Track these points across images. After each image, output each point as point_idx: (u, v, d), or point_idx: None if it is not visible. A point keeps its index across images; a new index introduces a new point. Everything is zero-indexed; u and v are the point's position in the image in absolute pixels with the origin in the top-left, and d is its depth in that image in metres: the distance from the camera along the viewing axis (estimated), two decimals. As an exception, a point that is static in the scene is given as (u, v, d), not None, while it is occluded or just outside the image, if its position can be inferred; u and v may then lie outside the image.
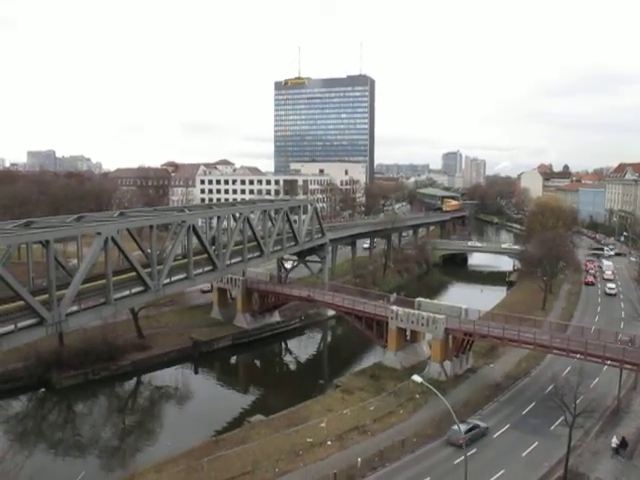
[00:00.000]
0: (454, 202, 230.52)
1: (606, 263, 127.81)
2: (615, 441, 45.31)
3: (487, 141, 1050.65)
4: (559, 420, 45.60)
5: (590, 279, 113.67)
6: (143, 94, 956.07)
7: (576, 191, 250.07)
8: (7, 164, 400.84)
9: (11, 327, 39.25)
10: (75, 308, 44.89)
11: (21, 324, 40.02)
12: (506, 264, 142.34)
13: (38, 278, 51.15)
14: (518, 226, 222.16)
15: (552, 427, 48.51)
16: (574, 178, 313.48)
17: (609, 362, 51.73)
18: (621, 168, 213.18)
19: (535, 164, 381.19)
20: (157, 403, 64.45)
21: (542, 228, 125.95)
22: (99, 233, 46.64)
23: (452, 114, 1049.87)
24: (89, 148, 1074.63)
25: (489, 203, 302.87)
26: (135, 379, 69.84)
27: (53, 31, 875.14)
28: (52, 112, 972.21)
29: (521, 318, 61.95)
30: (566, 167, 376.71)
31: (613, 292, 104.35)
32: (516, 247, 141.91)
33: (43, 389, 63.58)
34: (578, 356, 53.30)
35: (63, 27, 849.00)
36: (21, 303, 40.43)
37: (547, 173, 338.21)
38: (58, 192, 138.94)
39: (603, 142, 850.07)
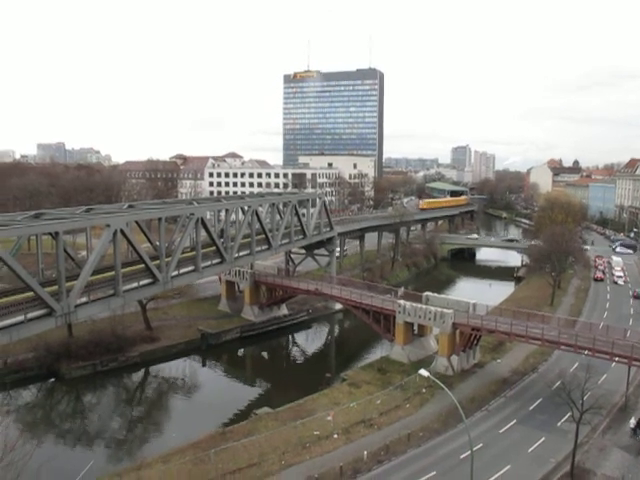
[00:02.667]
0: (438, 199, 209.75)
1: (615, 259, 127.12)
2: (633, 422, 46.44)
3: (496, 136, 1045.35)
4: (566, 416, 45.65)
5: (599, 275, 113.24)
6: (152, 88, 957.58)
7: (586, 186, 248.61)
8: (17, 156, 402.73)
9: (21, 318, 39.60)
10: (84, 299, 45.19)
11: (31, 315, 40.36)
12: (514, 259, 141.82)
13: (47, 269, 51.54)
14: (527, 221, 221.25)
15: (559, 423, 48.50)
16: (584, 173, 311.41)
17: (617, 359, 51.51)
18: (632, 163, 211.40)
19: (545, 159, 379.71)
20: (165, 394, 64.86)
21: (551, 223, 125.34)
22: (108, 225, 46.82)
23: (462, 108, 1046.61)
24: (98, 141, 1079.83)
25: (498, 198, 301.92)
26: (143, 370, 70.23)
27: (65, 24, 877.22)
28: (62, 105, 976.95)
29: (529, 313, 61.91)
30: (576, 162, 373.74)
31: (621, 281, 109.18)
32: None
33: (52, 379, 64.16)
34: (586, 352, 53.08)
35: (75, 20, 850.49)
36: (31, 294, 40.70)
37: (557, 168, 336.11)
38: (68, 184, 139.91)
39: (614, 137, 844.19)
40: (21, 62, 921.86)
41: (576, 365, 58.44)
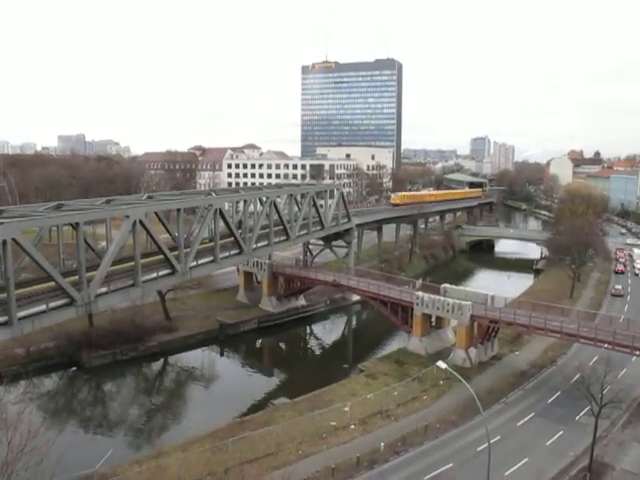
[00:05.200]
0: (419, 191, 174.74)
1: (637, 251, 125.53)
2: None
3: (516, 127, 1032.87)
4: (585, 410, 45.32)
5: (620, 268, 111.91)
6: (172, 79, 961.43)
7: (607, 178, 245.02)
8: (39, 148, 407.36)
9: (43, 307, 40.21)
10: (104, 289, 45.72)
11: (52, 304, 40.95)
12: (534, 251, 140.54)
13: (68, 260, 52.16)
14: (547, 213, 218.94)
15: (578, 417, 48.16)
16: (605, 164, 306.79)
17: (638, 352, 50.96)
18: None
19: (565, 150, 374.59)
20: (183, 384, 65.48)
21: (571, 215, 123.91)
22: (127, 216, 47.26)
23: (481, 99, 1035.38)
24: (118, 132, 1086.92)
25: (517, 189, 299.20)
26: (162, 360, 70.94)
27: (86, 16, 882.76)
28: (82, 97, 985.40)
29: (548, 306, 61.41)
30: (597, 153, 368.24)
31: None
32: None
33: (74, 368, 65.04)
34: (606, 346, 52.57)
35: (96, 12, 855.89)
36: (52, 284, 41.26)
37: (577, 159, 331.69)
38: (88, 175, 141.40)
39: (637, 128, 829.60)
40: (42, 55, 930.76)
41: (595, 359, 57.85)
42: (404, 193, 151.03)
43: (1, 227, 36.18)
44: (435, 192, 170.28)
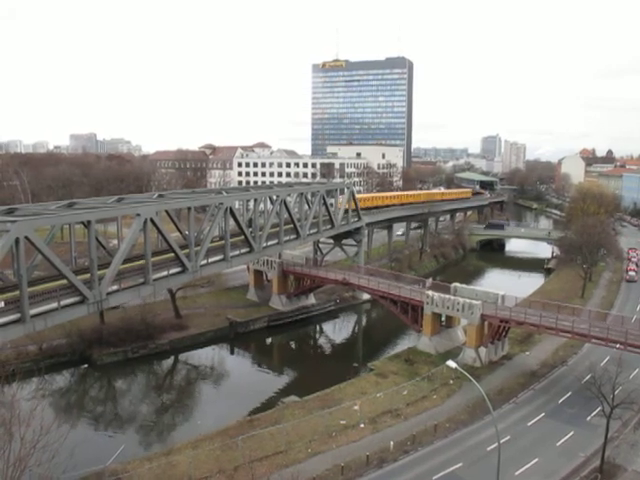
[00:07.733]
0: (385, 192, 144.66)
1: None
2: None
3: (527, 125, 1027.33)
4: (596, 410, 45.14)
5: (632, 267, 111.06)
6: (182, 78, 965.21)
7: (620, 176, 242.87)
8: (51, 147, 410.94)
9: (55, 305, 40.44)
10: (115, 287, 45.87)
11: (64, 302, 41.12)
12: (544, 251, 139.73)
13: (80, 258, 52.50)
14: (558, 212, 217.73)
15: (589, 417, 47.93)
16: (618, 163, 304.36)
17: (650, 353, 50.57)
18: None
19: (577, 149, 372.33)
20: (193, 382, 65.71)
21: (583, 214, 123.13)
22: (138, 214, 47.38)
23: (492, 97, 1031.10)
24: (129, 131, 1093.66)
25: (528, 188, 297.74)
26: (172, 358, 71.23)
27: (98, 15, 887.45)
28: (94, 96, 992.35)
29: (559, 306, 61.04)
30: (610, 152, 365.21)
31: None
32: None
33: (85, 365, 65.57)
34: (618, 346, 52.17)
35: (106, 11, 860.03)
36: (64, 282, 41.47)
37: (589, 158, 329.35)
38: (99, 174, 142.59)
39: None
40: (55, 55, 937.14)
41: (607, 359, 57.54)
42: (361, 195, 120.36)
43: (14, 225, 36.44)
44: (405, 193, 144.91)
